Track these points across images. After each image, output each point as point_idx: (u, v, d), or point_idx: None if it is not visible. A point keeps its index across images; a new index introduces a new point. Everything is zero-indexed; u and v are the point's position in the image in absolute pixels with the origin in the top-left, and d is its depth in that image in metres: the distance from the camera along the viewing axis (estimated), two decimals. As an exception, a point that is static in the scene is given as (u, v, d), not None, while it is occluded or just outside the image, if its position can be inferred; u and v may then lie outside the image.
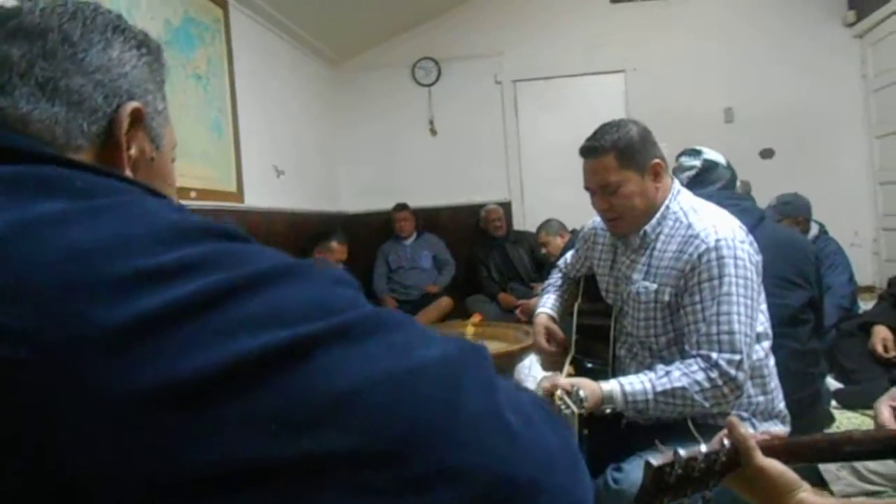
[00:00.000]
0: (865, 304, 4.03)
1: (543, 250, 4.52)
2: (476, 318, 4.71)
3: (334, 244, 3.86)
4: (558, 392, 1.41)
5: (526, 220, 5.68)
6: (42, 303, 0.42)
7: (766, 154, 5.50)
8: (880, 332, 2.94)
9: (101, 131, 0.61)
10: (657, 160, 1.62)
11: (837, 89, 5.38)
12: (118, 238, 0.46)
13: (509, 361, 2.68)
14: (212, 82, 3.74)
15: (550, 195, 5.58)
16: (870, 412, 2.60)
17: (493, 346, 2.82)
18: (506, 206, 5.67)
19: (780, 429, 1.63)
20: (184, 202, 3.24)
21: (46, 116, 0.58)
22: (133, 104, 0.62)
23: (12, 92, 0.57)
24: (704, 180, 2.25)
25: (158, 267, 0.45)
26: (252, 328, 0.45)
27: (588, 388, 1.45)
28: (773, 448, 0.97)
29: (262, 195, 4.24)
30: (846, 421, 2.56)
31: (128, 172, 0.62)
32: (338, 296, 0.50)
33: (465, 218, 5.74)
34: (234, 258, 0.48)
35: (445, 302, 5.19)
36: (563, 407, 1.37)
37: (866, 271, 5.21)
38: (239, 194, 3.97)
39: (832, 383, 2.84)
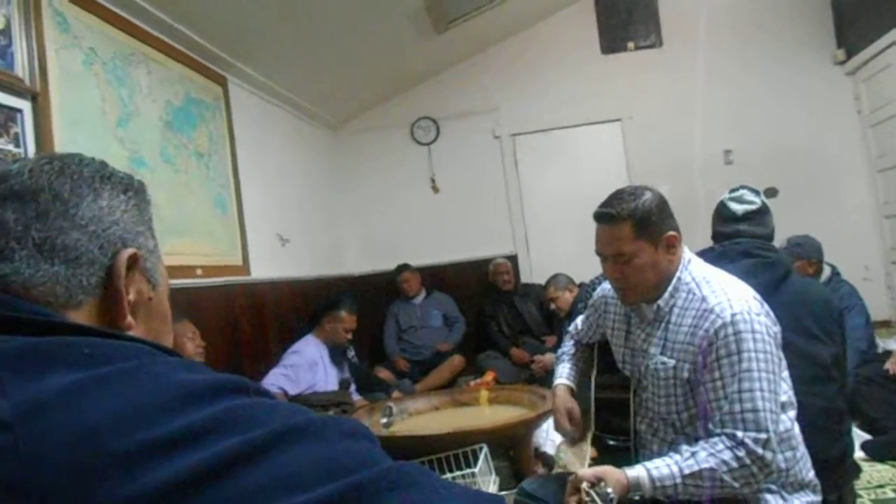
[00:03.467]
0: (883, 341, 3.97)
1: (553, 306, 4.49)
2: (490, 375, 4.67)
3: (343, 314, 3.84)
4: (584, 485, 1.36)
5: (533, 273, 5.66)
6: (51, 492, 0.43)
7: (770, 193, 5.49)
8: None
9: (100, 283, 0.61)
10: (672, 232, 1.60)
11: (834, 127, 5.42)
12: (125, 410, 0.46)
13: (527, 428, 2.62)
14: (213, 159, 3.79)
15: (556, 246, 5.58)
16: (901, 464, 2.53)
17: (510, 413, 2.77)
18: (512, 260, 5.67)
19: (811, 499, 1.57)
20: (190, 280, 3.26)
21: (47, 278, 0.58)
22: (129, 251, 0.63)
23: (12, 257, 0.58)
24: (761, 222, 2.18)
25: (166, 437, 0.45)
26: (265, 498, 0.44)
27: (613, 478, 1.40)
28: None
29: (267, 265, 4.24)
30: (876, 474, 2.49)
31: (129, 319, 0.63)
32: (352, 453, 0.50)
33: (472, 273, 5.73)
34: (244, 419, 0.48)
35: (457, 360, 5.14)
36: None
37: (881, 306, 5.15)
38: (245, 267, 3.98)
39: (858, 433, 2.77)
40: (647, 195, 1.61)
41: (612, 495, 1.32)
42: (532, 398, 2.83)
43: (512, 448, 2.49)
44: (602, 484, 1.35)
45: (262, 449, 0.46)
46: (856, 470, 2.30)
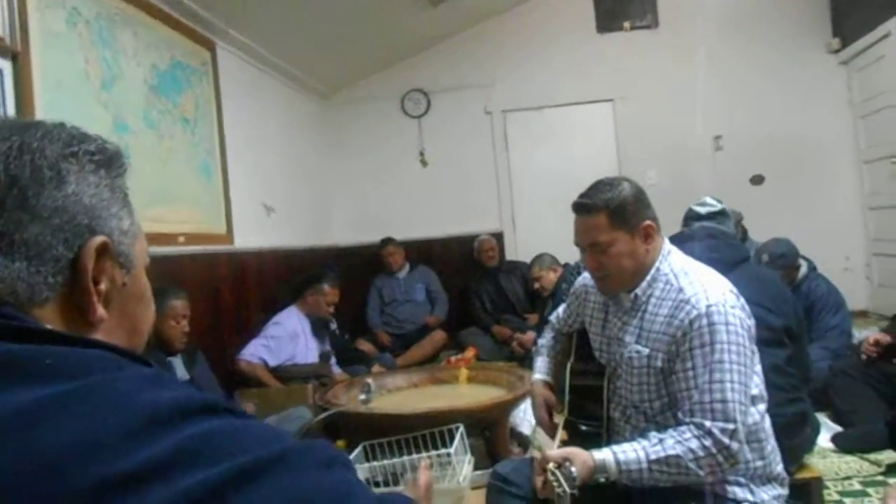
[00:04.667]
0: (859, 331, 4.02)
1: (537, 285, 4.50)
2: (470, 351, 4.69)
3: (326, 287, 3.83)
4: (550, 466, 1.39)
5: (518, 250, 5.67)
6: None
7: (757, 181, 5.52)
8: (877, 334, 2.97)
9: (66, 279, 0.57)
10: (649, 222, 1.61)
11: (825, 115, 5.42)
12: (87, 439, 0.43)
13: (503, 410, 2.65)
14: (199, 125, 3.73)
15: (542, 225, 5.58)
16: (868, 456, 2.59)
17: (488, 393, 2.79)
18: (498, 237, 5.67)
19: (778, 492, 1.60)
20: (172, 248, 3.23)
21: (7, 274, 0.54)
22: (97, 240, 0.58)
23: None
24: (722, 221, 2.46)
25: (130, 472, 0.42)
26: None
27: (580, 459, 1.42)
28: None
29: (252, 234, 4.21)
30: (844, 465, 2.54)
31: (100, 312, 0.59)
32: (331, 487, 0.48)
33: (458, 249, 5.73)
34: (212, 448, 0.46)
35: (439, 336, 5.16)
36: (555, 485, 1.35)
37: (859, 296, 5.21)
38: (229, 236, 3.95)
39: (829, 424, 2.82)
40: (624, 185, 1.63)
41: (574, 475, 1.35)
42: (510, 379, 2.86)
43: (488, 428, 2.52)
44: (567, 464, 1.38)
45: (232, 484, 0.43)
46: (810, 445, 2.34)
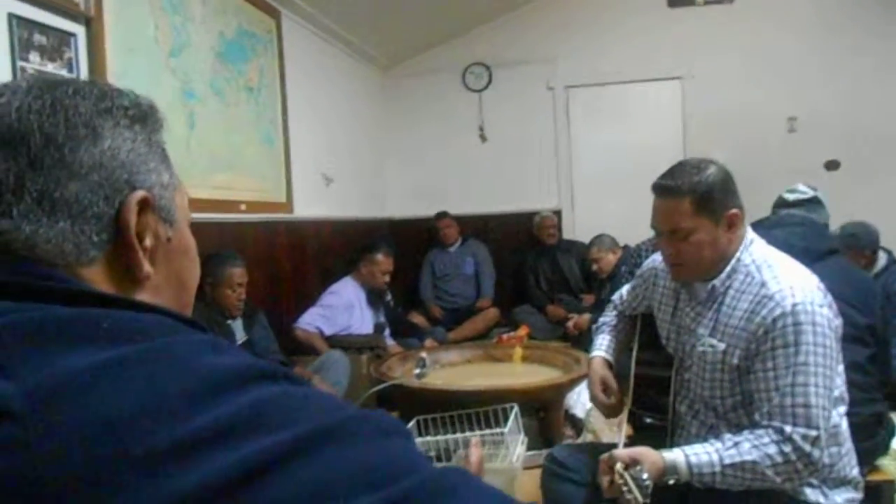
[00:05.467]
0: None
1: (595, 266, 4.42)
2: (523, 330, 4.66)
3: (380, 257, 3.84)
4: (618, 467, 1.33)
5: (576, 230, 5.57)
6: (65, 495, 0.40)
7: (832, 166, 5.26)
8: None
9: (110, 236, 0.56)
10: (735, 210, 1.52)
11: (912, 98, 5.11)
12: (148, 402, 0.43)
13: (559, 391, 2.61)
14: (263, 94, 3.76)
15: (602, 205, 5.47)
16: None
17: (543, 373, 2.76)
18: (556, 215, 5.58)
19: (852, 495, 1.53)
20: (233, 216, 3.28)
21: (53, 234, 0.53)
22: (138, 195, 0.57)
23: (10, 213, 0.53)
24: (812, 210, 2.39)
25: (190, 437, 0.42)
26: None
27: (649, 460, 1.37)
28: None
29: (311, 204, 4.25)
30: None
31: (146, 269, 0.59)
32: (391, 457, 0.47)
33: (514, 225, 5.66)
34: (273, 415, 0.45)
35: (492, 312, 5.14)
36: (624, 490, 1.29)
37: (937, 291, 4.93)
38: (289, 204, 3.99)
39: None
40: (712, 169, 1.53)
41: (647, 482, 1.29)
42: (567, 360, 2.81)
43: (542, 409, 2.49)
44: (638, 468, 1.32)
45: (292, 453, 0.42)
46: (886, 445, 2.24)
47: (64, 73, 2.31)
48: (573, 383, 2.56)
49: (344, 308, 3.66)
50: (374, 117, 5.71)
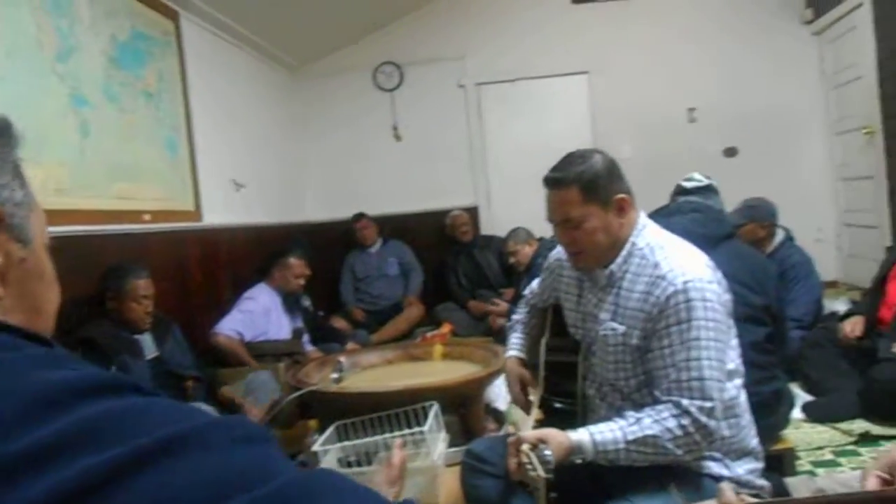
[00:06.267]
0: (830, 302, 4.06)
1: (512, 260, 4.47)
2: (446, 327, 4.68)
3: (292, 260, 3.76)
4: (524, 447, 1.35)
5: (494, 225, 5.63)
6: None
7: (730, 153, 5.52)
8: (852, 319, 2.96)
9: None
10: (623, 195, 1.57)
11: (798, 87, 5.43)
12: None
13: (478, 386, 2.62)
14: (164, 99, 3.61)
15: (517, 199, 5.54)
16: (840, 426, 2.61)
17: (463, 369, 2.76)
18: (473, 211, 5.63)
19: (753, 465, 1.60)
20: (137, 226, 3.14)
21: None
22: None
23: None
24: (708, 196, 2.49)
25: (18, 455, 0.40)
26: None
27: (555, 440, 1.40)
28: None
29: (221, 211, 4.12)
30: (817, 436, 2.56)
31: None
32: (245, 465, 0.44)
33: (432, 224, 5.67)
34: (111, 429, 0.42)
35: (415, 312, 5.13)
36: (529, 469, 1.31)
37: (830, 267, 5.26)
38: (197, 212, 3.85)
39: (801, 395, 2.84)
40: (596, 157, 1.58)
41: (550, 457, 1.32)
42: (485, 355, 2.83)
43: (462, 405, 2.49)
44: (542, 446, 1.35)
45: (132, 466, 0.40)
46: (785, 423, 2.36)
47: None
48: (492, 377, 2.58)
49: (261, 314, 3.56)
50: (286, 120, 5.60)
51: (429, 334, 4.50)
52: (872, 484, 0.98)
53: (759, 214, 3.51)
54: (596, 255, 1.59)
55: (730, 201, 4.27)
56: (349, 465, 2.10)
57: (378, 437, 2.05)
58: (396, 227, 5.62)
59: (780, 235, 3.56)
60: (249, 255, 4.36)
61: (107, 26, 3.15)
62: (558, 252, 1.83)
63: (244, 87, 4.80)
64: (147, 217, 3.31)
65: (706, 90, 5.48)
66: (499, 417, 2.84)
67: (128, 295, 2.60)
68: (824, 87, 5.37)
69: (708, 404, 1.41)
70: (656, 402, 1.47)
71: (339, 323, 4.89)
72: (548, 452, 1.34)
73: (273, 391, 2.93)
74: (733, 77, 5.44)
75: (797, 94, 5.42)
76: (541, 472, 1.29)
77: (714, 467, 1.53)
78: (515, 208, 5.46)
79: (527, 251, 4.30)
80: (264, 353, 3.39)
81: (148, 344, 2.74)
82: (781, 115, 5.42)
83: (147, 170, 3.38)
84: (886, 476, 0.99)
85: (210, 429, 0.45)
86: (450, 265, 5.32)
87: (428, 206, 5.71)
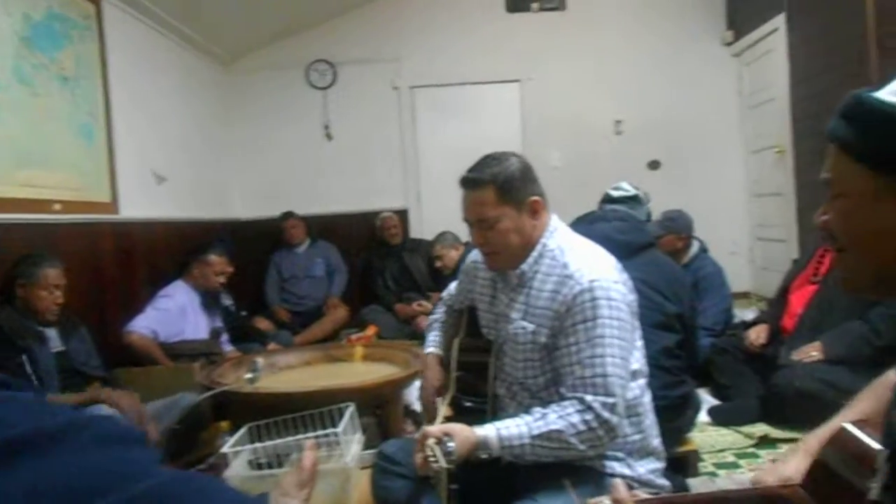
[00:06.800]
0: (742, 312, 4.25)
1: (439, 263, 4.49)
2: (371, 329, 4.64)
3: (213, 257, 3.65)
4: (429, 441, 1.36)
5: (423, 228, 5.63)
6: None
7: (653, 165, 5.71)
8: (757, 327, 3.10)
9: None
10: (536, 197, 1.60)
11: (717, 105, 5.66)
12: None
13: (395, 387, 2.62)
14: (81, 84, 3.46)
15: (447, 203, 5.50)
16: (742, 429, 2.73)
17: (383, 371, 2.75)
18: (403, 214, 5.62)
19: (655, 465, 1.65)
20: (45, 216, 2.99)
21: None
22: None
23: None
24: (634, 207, 2.54)
25: None
26: None
27: (461, 434, 1.41)
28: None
29: (140, 204, 3.98)
30: (720, 438, 2.67)
31: None
32: (113, 466, 0.43)
33: (362, 225, 5.63)
34: None
35: (340, 313, 5.08)
36: (431, 460, 1.32)
37: (743, 279, 5.51)
38: (113, 204, 3.71)
39: (708, 399, 2.96)
40: (512, 160, 1.62)
41: (452, 449, 1.33)
42: (406, 357, 2.82)
43: (380, 407, 2.48)
44: (446, 439, 1.36)
45: None
46: (692, 422, 2.45)
47: None
48: (410, 378, 2.58)
49: (177, 312, 3.45)
50: (214, 114, 5.45)
51: (353, 336, 4.46)
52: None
53: (678, 226, 3.64)
54: (509, 255, 1.61)
55: (652, 212, 4.44)
56: (260, 466, 2.06)
57: (290, 439, 2.02)
58: (325, 228, 5.56)
59: (694, 247, 3.70)
60: (170, 250, 4.21)
61: (19, 4, 3.00)
62: (475, 255, 1.86)
63: (171, 77, 4.65)
64: (57, 207, 3.16)
65: (633, 104, 5.65)
66: (417, 419, 2.84)
67: (38, 283, 2.52)
68: (741, 107, 5.62)
69: (610, 400, 1.45)
70: (562, 398, 1.50)
71: (263, 323, 4.79)
72: (451, 445, 1.36)
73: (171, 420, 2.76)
74: (658, 93, 5.63)
75: (717, 112, 5.66)
76: (442, 463, 1.30)
77: (617, 467, 1.57)
78: (445, 212, 5.45)
79: (453, 255, 4.33)
80: (180, 353, 3.28)
81: (54, 337, 2.63)
82: (702, 132, 5.65)
83: (59, 157, 3.23)
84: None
85: (80, 427, 0.43)
86: (377, 267, 5.29)
87: (358, 207, 5.67)
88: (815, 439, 1.04)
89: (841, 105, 0.79)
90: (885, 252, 0.77)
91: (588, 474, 1.54)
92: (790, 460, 1.04)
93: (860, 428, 0.90)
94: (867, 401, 1.09)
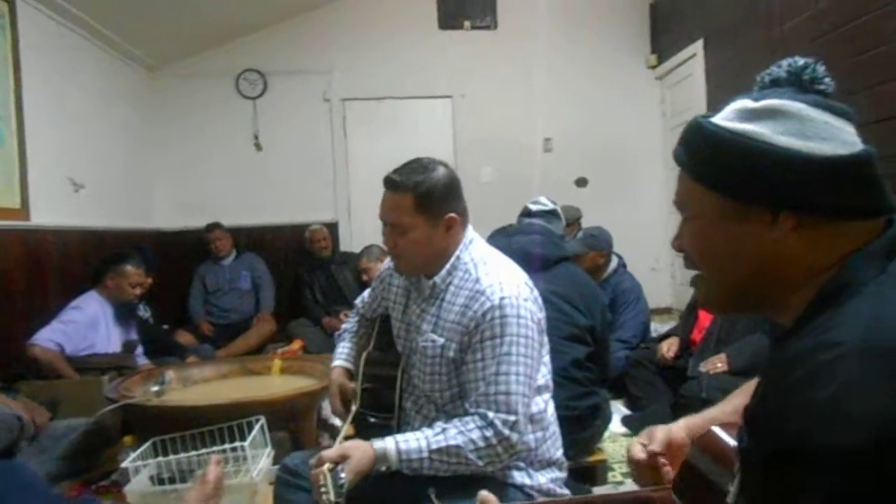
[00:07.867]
0: (662, 325, 4.38)
1: (365, 277, 4.47)
2: (297, 343, 4.58)
3: (129, 268, 3.52)
4: (325, 467, 1.33)
5: (353, 242, 5.60)
6: None
7: (581, 183, 5.85)
8: (668, 340, 3.20)
9: None
10: (453, 214, 1.59)
11: (641, 126, 5.86)
12: None
13: (309, 400, 2.58)
14: (-11, 85, 3.32)
15: (378, 216, 5.54)
16: (651, 439, 2.80)
17: (299, 383, 2.71)
18: (332, 227, 5.58)
19: (556, 475, 1.67)
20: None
21: None
22: None
23: None
24: (551, 221, 2.56)
25: None
26: None
27: (359, 451, 1.40)
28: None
29: (55, 212, 3.83)
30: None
31: None
32: None
33: (291, 237, 5.56)
34: None
35: (266, 327, 4.99)
36: (322, 491, 1.29)
37: (664, 294, 5.69)
38: (24, 211, 3.56)
39: (622, 410, 3.04)
40: (439, 171, 1.59)
41: (343, 481, 1.31)
42: (324, 369, 2.78)
43: (293, 419, 2.44)
44: (339, 467, 1.34)
45: None
46: (601, 433, 2.51)
47: None
48: (324, 391, 2.55)
49: (87, 325, 3.31)
50: (139, 121, 5.31)
51: (279, 350, 4.38)
52: (636, 450, 1.07)
53: (599, 243, 3.73)
54: (412, 263, 1.62)
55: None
56: (163, 482, 1.99)
57: (194, 453, 1.96)
58: (252, 240, 5.47)
59: (613, 262, 3.80)
60: (86, 260, 4.05)
61: (-79, 0, 2.87)
62: (390, 262, 1.85)
63: (92, 81, 4.50)
64: (-41, 212, 3.01)
65: (561, 122, 5.79)
66: (333, 433, 2.81)
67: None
68: (664, 127, 5.83)
69: (512, 418, 1.45)
70: (465, 413, 1.50)
71: (185, 337, 4.66)
72: (342, 475, 1.33)
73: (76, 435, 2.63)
74: (586, 112, 5.79)
75: (641, 132, 5.85)
76: (332, 496, 1.27)
77: (518, 477, 1.58)
78: (375, 226, 5.41)
79: (379, 268, 4.28)
80: (89, 366, 3.15)
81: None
82: (626, 151, 5.83)
83: (-39, 161, 3.08)
84: (645, 442, 1.08)
85: None
86: (306, 280, 5.23)
87: (286, 219, 5.60)
88: (698, 419, 1.09)
89: (683, 130, 0.83)
90: (738, 271, 0.78)
91: (490, 483, 1.55)
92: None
93: (725, 430, 0.93)
94: (742, 395, 1.13)
